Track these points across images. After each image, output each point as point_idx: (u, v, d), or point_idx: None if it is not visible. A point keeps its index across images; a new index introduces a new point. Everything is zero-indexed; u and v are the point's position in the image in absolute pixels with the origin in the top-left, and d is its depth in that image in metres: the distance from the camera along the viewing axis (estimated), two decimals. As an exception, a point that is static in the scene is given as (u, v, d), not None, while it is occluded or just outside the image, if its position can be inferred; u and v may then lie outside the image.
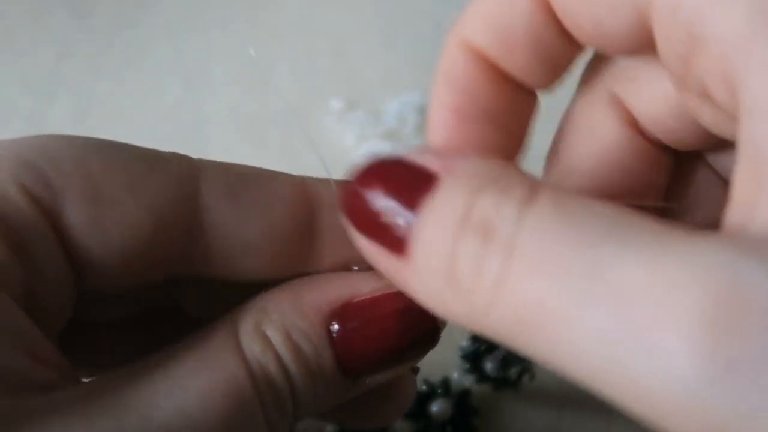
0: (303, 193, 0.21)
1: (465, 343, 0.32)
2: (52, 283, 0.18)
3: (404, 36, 0.44)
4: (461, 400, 0.31)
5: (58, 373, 0.17)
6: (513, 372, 0.32)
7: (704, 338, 0.12)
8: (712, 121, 0.16)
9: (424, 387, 0.31)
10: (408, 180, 0.16)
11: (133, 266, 0.19)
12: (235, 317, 0.20)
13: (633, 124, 0.19)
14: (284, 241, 0.20)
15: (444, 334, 0.32)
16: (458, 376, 0.32)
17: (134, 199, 0.19)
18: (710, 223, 0.20)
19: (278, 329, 0.20)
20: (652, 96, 0.19)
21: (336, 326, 0.20)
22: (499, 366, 0.31)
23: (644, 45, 0.16)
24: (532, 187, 0.15)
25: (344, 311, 0.20)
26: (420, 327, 0.21)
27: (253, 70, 0.44)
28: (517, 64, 0.19)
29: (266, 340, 0.19)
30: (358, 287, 0.20)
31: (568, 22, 0.17)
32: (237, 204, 0.20)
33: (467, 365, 0.32)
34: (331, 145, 0.39)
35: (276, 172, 0.21)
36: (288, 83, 0.43)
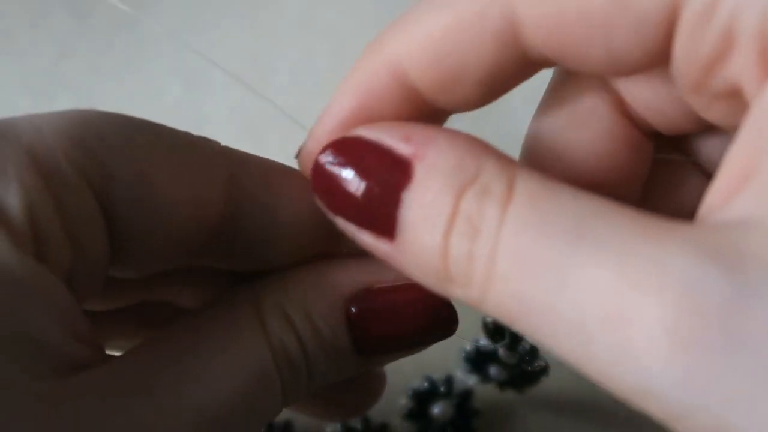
0: None
1: (469, 347, 0.32)
2: (92, 263, 0.18)
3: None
4: (463, 400, 0.31)
5: (93, 351, 0.17)
6: (535, 365, 0.31)
7: (666, 344, 0.13)
8: (721, 117, 0.16)
9: (426, 384, 0.31)
10: (382, 165, 0.17)
11: (168, 250, 0.19)
12: (257, 295, 0.20)
13: (622, 108, 0.19)
14: (310, 233, 0.21)
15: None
16: (462, 375, 0.32)
17: (177, 181, 0.19)
18: (688, 209, 0.20)
19: (300, 311, 0.20)
20: (650, 83, 0.18)
21: (355, 310, 0.20)
22: (513, 364, 0.31)
23: (655, 63, 0.16)
24: (510, 179, 0.15)
25: (364, 296, 0.20)
26: (438, 317, 0.21)
27: (253, 70, 0.44)
28: (454, 98, 0.18)
29: (288, 321, 0.20)
30: (380, 273, 0.20)
31: (563, 56, 0.16)
32: (270, 193, 0.20)
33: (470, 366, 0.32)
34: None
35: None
36: (288, 83, 0.43)
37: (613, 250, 0.13)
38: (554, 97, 0.19)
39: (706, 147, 0.20)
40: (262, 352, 0.19)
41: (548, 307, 0.14)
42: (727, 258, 0.13)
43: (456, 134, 0.17)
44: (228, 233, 0.20)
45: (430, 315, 0.20)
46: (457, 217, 0.15)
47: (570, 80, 0.19)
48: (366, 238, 0.17)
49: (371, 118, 0.18)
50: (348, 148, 0.17)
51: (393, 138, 0.17)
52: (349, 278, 0.20)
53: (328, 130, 0.19)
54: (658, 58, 0.16)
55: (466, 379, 0.32)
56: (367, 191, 0.17)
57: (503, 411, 0.32)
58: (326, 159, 0.18)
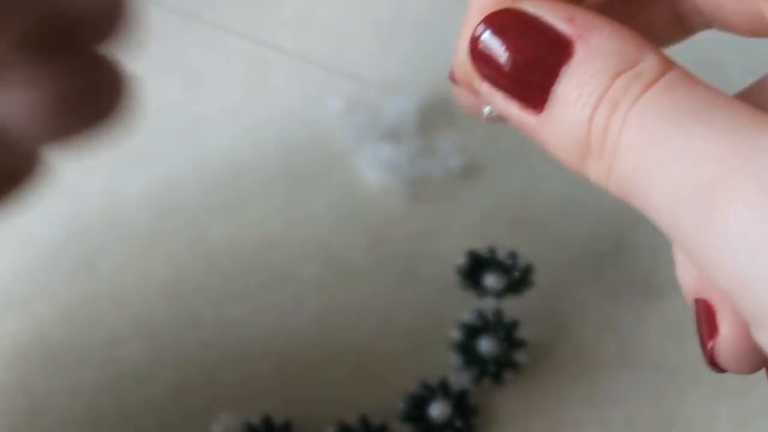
0: None
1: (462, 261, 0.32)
2: None
3: (404, 36, 0.44)
4: (460, 400, 0.31)
5: None
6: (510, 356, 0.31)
7: (743, 215, 0.14)
8: None
9: (423, 391, 0.31)
10: (544, 41, 0.18)
11: None
12: None
13: (677, 11, 0.20)
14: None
15: (438, 337, 0.32)
16: (456, 377, 0.32)
17: None
18: None
19: None
20: None
21: None
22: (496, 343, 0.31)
23: None
24: (662, 71, 0.17)
25: None
26: None
27: (253, 70, 0.44)
28: None
29: None
30: None
31: None
32: None
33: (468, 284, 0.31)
34: (329, 146, 0.39)
35: None
36: (288, 83, 0.43)
37: (717, 128, 0.15)
38: None
39: None
40: None
41: (654, 179, 0.16)
42: None
43: (619, 25, 0.18)
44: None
45: None
46: (606, 95, 0.17)
47: None
48: (512, 109, 0.18)
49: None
50: (509, 20, 0.18)
51: (555, 17, 0.18)
52: None
53: (481, 4, 0.20)
54: None
55: (461, 380, 0.32)
56: (526, 63, 0.18)
57: (502, 409, 0.32)
58: (486, 28, 0.18)
